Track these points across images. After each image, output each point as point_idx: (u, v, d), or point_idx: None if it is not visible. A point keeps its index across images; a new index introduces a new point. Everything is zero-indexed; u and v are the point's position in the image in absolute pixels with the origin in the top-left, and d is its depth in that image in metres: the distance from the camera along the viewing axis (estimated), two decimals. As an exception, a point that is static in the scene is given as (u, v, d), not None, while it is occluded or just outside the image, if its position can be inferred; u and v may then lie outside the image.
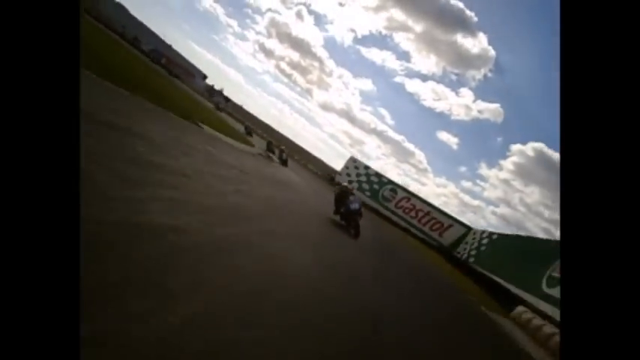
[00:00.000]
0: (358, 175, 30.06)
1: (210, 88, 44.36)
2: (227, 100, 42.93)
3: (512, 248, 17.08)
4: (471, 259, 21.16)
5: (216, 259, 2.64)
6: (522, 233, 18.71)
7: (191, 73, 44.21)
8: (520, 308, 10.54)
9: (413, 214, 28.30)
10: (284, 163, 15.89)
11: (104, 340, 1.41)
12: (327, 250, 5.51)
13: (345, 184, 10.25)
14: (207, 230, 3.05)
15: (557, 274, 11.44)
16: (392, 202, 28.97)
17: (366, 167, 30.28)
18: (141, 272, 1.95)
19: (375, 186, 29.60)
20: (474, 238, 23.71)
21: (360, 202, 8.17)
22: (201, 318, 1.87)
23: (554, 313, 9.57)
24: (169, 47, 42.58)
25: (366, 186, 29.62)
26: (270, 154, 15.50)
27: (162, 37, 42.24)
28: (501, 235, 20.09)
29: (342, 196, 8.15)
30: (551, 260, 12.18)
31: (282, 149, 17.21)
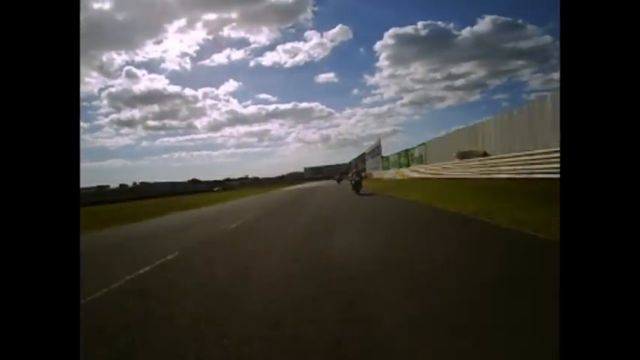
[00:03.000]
0: (311, 171, 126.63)
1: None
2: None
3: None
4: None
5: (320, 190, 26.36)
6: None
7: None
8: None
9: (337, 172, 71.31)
10: (338, 181, 37.34)
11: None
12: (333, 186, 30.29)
13: (355, 170, 22.45)
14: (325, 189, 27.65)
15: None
16: (324, 173, 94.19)
17: (311, 168, 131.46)
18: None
19: (316, 170, 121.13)
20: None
21: (361, 176, 16.52)
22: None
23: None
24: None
25: (313, 172, 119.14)
26: (337, 179, 38.62)
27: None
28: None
29: (354, 174, 17.15)
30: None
31: (338, 177, 39.74)
